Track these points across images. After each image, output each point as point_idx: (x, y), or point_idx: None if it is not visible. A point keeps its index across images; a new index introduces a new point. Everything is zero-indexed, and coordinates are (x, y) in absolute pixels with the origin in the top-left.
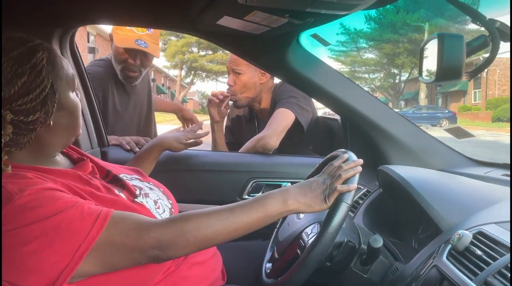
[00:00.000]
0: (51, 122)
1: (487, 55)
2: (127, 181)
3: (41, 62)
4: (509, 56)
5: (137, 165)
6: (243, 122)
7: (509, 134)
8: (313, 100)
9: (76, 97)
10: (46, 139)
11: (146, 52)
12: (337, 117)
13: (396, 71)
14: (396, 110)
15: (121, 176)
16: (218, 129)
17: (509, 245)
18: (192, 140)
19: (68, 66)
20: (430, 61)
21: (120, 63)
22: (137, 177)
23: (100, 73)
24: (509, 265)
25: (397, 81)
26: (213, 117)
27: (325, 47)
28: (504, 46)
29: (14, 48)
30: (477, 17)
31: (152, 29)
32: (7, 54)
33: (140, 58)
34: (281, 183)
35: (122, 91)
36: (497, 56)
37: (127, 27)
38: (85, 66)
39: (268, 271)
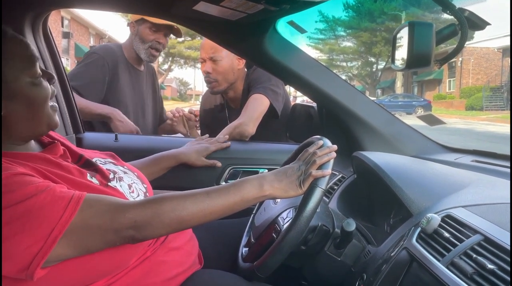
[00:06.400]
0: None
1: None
2: (101, 165)
3: None
4: (482, 46)
5: (142, 168)
6: (215, 112)
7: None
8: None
9: (41, 85)
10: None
11: (169, 34)
12: (314, 104)
13: (373, 59)
14: (373, 98)
15: (94, 160)
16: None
17: (475, 227)
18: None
19: (28, 48)
20: (402, 49)
21: (147, 42)
22: (111, 161)
23: (113, 49)
24: (474, 246)
25: (374, 69)
26: (183, 134)
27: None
28: (478, 35)
29: None
30: (447, 6)
31: None
32: None
33: (164, 40)
34: (258, 169)
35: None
36: (472, 45)
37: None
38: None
39: (245, 255)
